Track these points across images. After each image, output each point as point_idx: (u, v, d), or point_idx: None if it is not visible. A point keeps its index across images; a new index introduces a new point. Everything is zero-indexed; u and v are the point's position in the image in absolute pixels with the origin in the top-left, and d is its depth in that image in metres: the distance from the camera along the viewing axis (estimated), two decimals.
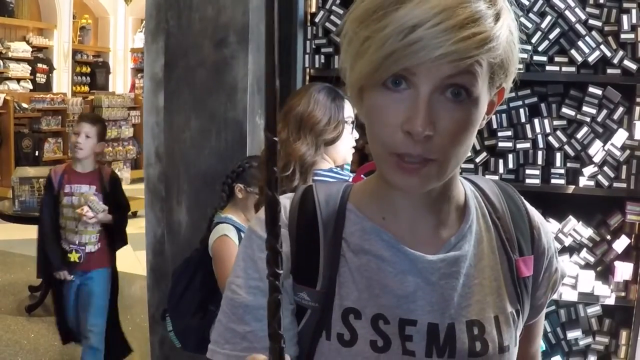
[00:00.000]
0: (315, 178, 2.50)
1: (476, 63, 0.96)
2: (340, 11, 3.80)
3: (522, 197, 1.27)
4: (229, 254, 3.06)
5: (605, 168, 3.54)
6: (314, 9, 3.95)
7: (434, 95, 0.97)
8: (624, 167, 3.54)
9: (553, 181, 3.60)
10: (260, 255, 1.09)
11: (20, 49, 13.67)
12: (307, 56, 3.89)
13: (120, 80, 16.88)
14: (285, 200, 1.17)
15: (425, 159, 0.99)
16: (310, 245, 1.13)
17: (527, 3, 3.56)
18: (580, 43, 3.49)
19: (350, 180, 1.48)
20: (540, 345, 1.37)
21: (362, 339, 1.09)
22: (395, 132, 0.99)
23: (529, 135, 3.62)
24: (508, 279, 1.17)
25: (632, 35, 3.45)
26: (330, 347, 1.10)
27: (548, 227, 1.27)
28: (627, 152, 3.52)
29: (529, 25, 3.55)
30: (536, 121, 3.61)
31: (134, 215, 9.75)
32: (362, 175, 1.30)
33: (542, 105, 3.72)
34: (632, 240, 3.61)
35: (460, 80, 0.97)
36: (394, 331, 1.09)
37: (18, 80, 13.61)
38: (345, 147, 2.67)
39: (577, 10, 3.51)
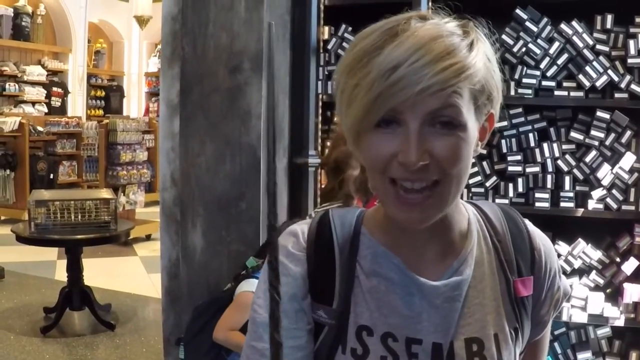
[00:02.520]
0: None
1: (456, 94, 1.02)
2: (352, 38, 3.86)
3: (525, 220, 1.31)
4: (246, 309, 3.14)
5: (614, 191, 3.58)
6: (326, 36, 4.01)
7: (423, 128, 1.03)
8: (632, 189, 3.57)
9: (562, 204, 3.63)
10: (281, 278, 1.15)
11: (35, 72, 13.81)
12: (319, 82, 3.96)
13: (134, 104, 17.01)
14: (303, 226, 1.24)
15: (426, 186, 1.05)
16: (326, 267, 1.19)
17: (535, 29, 3.61)
18: (588, 68, 3.54)
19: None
20: None
21: (374, 354, 1.16)
22: (390, 160, 1.05)
23: (538, 159, 3.67)
24: (506, 298, 1.22)
25: (639, 60, 3.50)
26: None
27: (551, 248, 1.31)
28: (635, 175, 3.56)
29: (538, 51, 3.60)
30: (545, 145, 3.66)
31: (148, 238, 9.83)
32: (375, 202, 1.36)
33: (551, 129, 3.76)
34: None
35: (445, 112, 1.03)
36: (402, 349, 1.15)
37: (33, 103, 13.74)
38: None
39: (584, 35, 3.57)
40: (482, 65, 1.06)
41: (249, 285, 3.20)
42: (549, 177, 3.67)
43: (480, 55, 1.06)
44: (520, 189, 3.69)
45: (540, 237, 1.30)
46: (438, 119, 1.03)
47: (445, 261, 1.19)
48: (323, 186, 3.93)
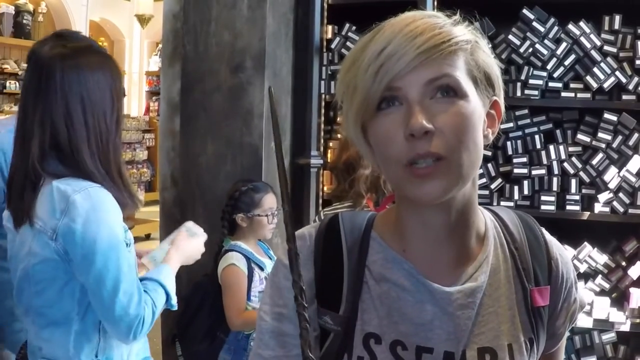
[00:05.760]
0: None
1: (449, 63, 1.05)
2: (356, 37, 3.82)
3: (542, 228, 1.28)
4: (237, 283, 3.13)
5: (621, 194, 3.53)
6: (330, 35, 3.97)
7: (424, 100, 1.04)
8: (639, 193, 3.53)
9: (568, 207, 3.59)
10: (286, 283, 1.14)
11: None
12: (322, 82, 3.92)
13: (135, 103, 16.95)
14: (311, 230, 1.22)
15: (436, 158, 1.03)
16: (334, 272, 1.16)
17: (542, 30, 3.56)
18: (595, 69, 3.49)
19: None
20: None
21: None
22: (401, 143, 1.04)
23: (544, 161, 3.62)
24: (522, 308, 1.19)
25: None
26: None
27: (568, 258, 1.28)
28: None
29: (545, 51, 3.55)
30: (551, 147, 3.61)
31: (147, 237, 9.81)
32: (387, 206, 1.33)
33: (558, 131, 3.71)
34: None
35: (441, 81, 1.05)
36: (412, 358, 1.12)
37: None
38: None
39: (592, 36, 3.52)
40: (471, 38, 1.09)
41: (225, 262, 3.17)
42: (554, 179, 3.62)
43: (468, 33, 1.10)
44: (525, 192, 3.65)
45: (557, 247, 1.27)
46: (436, 87, 1.04)
47: (459, 267, 1.15)
48: (327, 188, 3.90)
